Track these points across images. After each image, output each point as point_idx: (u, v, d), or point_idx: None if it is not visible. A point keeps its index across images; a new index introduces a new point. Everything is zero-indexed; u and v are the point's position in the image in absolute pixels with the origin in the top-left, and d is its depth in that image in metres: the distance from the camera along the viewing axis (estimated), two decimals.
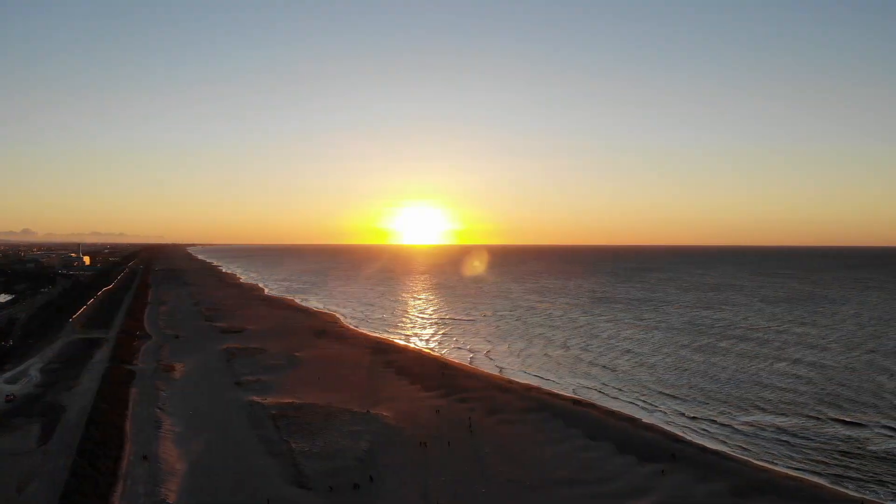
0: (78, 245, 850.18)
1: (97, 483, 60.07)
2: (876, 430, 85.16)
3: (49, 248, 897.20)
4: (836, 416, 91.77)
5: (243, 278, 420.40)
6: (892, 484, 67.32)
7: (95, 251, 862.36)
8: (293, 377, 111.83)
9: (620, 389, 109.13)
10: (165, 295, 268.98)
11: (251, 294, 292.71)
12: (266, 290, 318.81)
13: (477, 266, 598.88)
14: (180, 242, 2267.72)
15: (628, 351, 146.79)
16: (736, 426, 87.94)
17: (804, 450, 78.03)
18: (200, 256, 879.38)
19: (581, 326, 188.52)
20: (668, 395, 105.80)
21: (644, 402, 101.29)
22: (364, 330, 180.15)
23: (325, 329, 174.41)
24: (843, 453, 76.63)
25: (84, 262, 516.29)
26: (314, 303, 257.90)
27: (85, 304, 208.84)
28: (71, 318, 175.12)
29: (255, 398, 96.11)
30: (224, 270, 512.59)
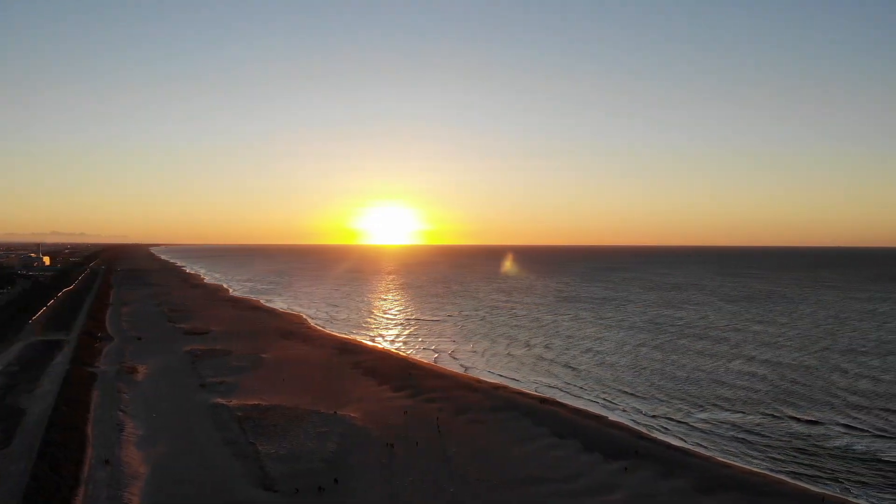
0: (38, 245, 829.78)
1: (58, 487, 58.99)
2: (831, 428, 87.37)
3: (8, 248, 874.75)
4: (793, 414, 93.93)
5: (208, 279, 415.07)
6: (848, 480, 69.21)
7: (56, 251, 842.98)
8: (259, 379, 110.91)
9: (582, 388, 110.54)
10: (128, 296, 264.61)
11: (216, 295, 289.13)
12: (231, 291, 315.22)
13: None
14: (143, 242, 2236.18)
15: (590, 349, 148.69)
16: (697, 423, 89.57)
17: (763, 446, 79.79)
18: (164, 257, 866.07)
19: (545, 325, 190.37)
20: (629, 393, 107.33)
21: (606, 400, 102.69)
22: (331, 330, 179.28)
23: (291, 330, 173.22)
24: (801, 450, 78.53)
25: (44, 263, 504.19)
26: (280, 303, 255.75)
27: (45, 305, 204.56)
28: (31, 319, 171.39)
29: (220, 400, 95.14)
30: (188, 271, 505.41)
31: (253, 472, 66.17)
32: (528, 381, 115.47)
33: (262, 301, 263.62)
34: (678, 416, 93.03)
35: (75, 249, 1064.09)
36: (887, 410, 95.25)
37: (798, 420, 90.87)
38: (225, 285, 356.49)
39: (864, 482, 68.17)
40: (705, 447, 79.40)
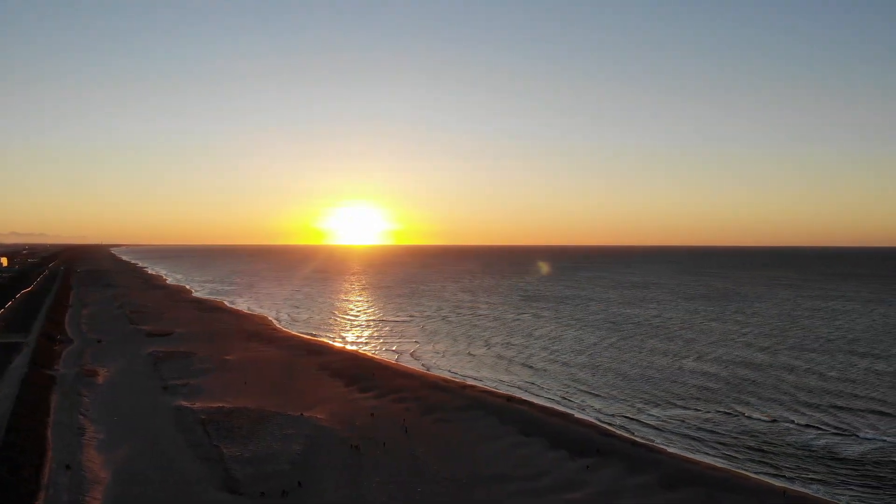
0: None
1: (18, 492, 57.61)
2: (787, 424, 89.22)
3: None
4: (751, 410, 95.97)
5: (170, 280, 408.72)
6: (806, 474, 70.96)
7: (13, 252, 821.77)
8: (223, 381, 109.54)
9: (541, 387, 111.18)
10: (88, 297, 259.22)
11: (179, 296, 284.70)
12: (194, 292, 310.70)
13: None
14: (104, 243, 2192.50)
15: (553, 348, 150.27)
16: (660, 420, 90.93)
17: (725, 442, 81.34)
18: (125, 257, 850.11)
19: (509, 324, 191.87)
20: (593, 390, 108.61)
21: (569, 398, 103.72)
22: (296, 332, 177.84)
23: (256, 331, 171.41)
24: (760, 446, 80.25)
25: (1, 264, 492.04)
26: (245, 304, 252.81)
27: (2, 306, 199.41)
28: None
29: (184, 403, 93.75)
30: (150, 272, 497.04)
31: (217, 475, 65.32)
32: (491, 380, 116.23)
33: (225, 302, 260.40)
34: (641, 413, 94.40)
35: (34, 250, 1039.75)
36: (836, 407, 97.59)
37: (757, 416, 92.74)
38: (188, 286, 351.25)
39: (821, 476, 69.88)
40: (669, 444, 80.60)
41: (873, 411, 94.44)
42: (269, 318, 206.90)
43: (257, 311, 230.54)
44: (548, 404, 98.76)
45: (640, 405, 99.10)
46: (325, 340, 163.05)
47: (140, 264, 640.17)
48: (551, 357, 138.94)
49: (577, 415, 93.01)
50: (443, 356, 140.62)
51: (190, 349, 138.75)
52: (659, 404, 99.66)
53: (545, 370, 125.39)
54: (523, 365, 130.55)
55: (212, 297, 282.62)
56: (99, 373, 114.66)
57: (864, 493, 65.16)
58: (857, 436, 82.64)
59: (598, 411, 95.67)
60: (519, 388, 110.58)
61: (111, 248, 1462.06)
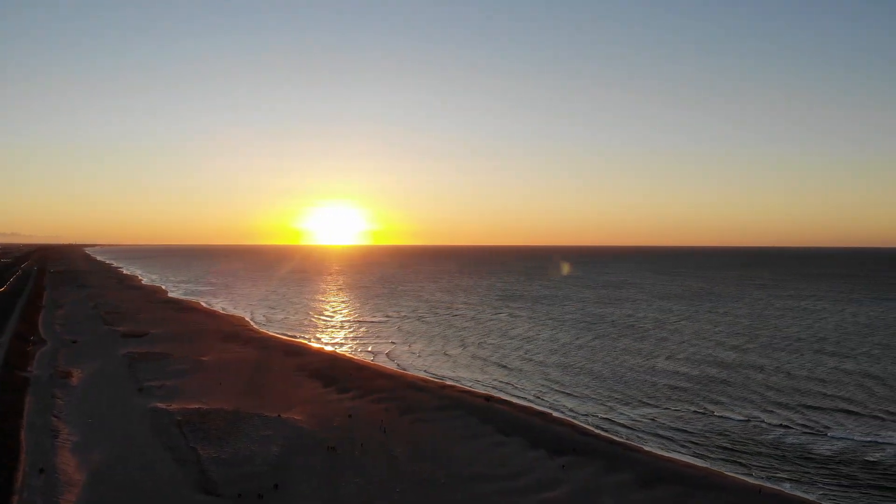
0: None
1: None
2: (755, 423, 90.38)
3: None
4: (721, 409, 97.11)
5: (145, 280, 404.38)
6: (781, 472, 71.99)
7: None
8: (199, 382, 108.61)
9: (516, 387, 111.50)
10: (62, 298, 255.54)
11: (154, 296, 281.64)
12: (170, 293, 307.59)
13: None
14: (78, 243, 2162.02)
15: (528, 347, 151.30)
16: (634, 418, 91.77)
17: (700, 441, 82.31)
18: (99, 257, 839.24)
19: (485, 323, 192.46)
20: (566, 390, 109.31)
21: (543, 397, 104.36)
22: (274, 332, 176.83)
23: (232, 332, 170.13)
24: (733, 443, 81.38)
25: None
26: (221, 305, 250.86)
27: None
28: None
29: (159, 404, 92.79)
30: (125, 272, 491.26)
31: (194, 477, 64.76)
32: (467, 380, 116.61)
33: (202, 303, 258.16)
34: (613, 413, 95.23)
35: (6, 250, 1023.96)
36: (806, 406, 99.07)
37: (727, 415, 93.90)
38: (163, 287, 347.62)
39: (792, 475, 70.95)
40: (644, 442, 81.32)
41: (841, 410, 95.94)
42: (246, 319, 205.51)
43: (234, 311, 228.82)
44: (526, 403, 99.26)
45: (612, 404, 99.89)
46: (303, 341, 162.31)
47: (115, 264, 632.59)
48: (526, 356, 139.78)
49: (556, 414, 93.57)
50: (419, 356, 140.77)
51: (166, 350, 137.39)
52: (630, 403, 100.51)
53: (520, 370, 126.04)
54: (498, 365, 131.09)
55: (188, 298, 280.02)
56: (73, 374, 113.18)
57: (833, 491, 66.21)
58: (826, 435, 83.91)
59: (572, 410, 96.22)
60: (494, 387, 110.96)
61: (86, 248, 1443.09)
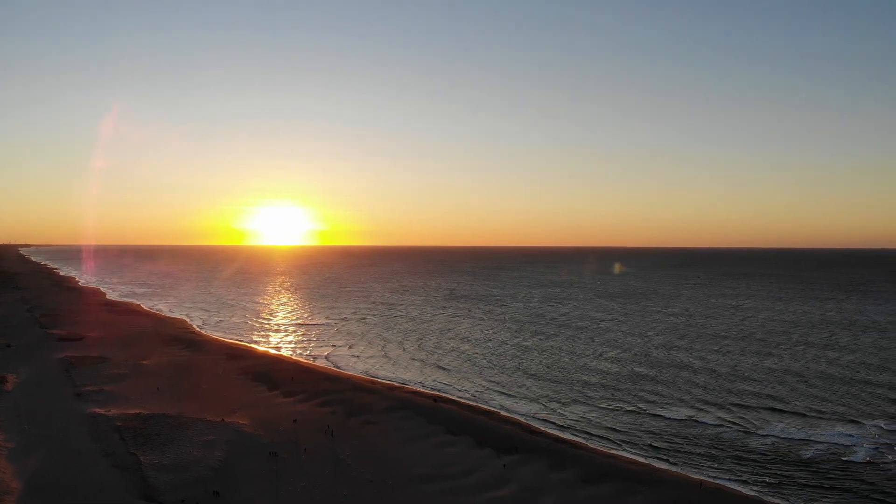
0: None
1: None
2: (688, 420, 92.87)
3: None
4: (657, 406, 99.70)
5: (83, 282, 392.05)
6: (721, 465, 74.08)
7: None
8: (140, 386, 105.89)
9: (456, 388, 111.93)
10: None
11: (92, 299, 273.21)
12: (109, 295, 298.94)
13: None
14: (11, 243, 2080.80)
15: (464, 348, 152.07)
16: (574, 418, 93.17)
17: (635, 438, 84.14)
18: (35, 258, 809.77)
19: (426, 324, 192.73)
20: (505, 389, 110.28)
21: (483, 396, 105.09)
22: (217, 335, 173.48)
23: (174, 335, 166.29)
24: (670, 439, 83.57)
25: None
26: (162, 307, 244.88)
27: None
28: None
29: (98, 410, 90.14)
30: (61, 273, 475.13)
31: (135, 484, 63.14)
32: (420, 380, 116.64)
33: (142, 305, 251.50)
34: (552, 410, 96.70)
35: None
36: (735, 405, 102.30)
37: (664, 412, 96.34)
38: (102, 288, 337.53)
39: (733, 467, 73.19)
40: (590, 439, 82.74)
41: (768, 408, 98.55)
42: (188, 322, 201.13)
43: (176, 313, 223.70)
44: (474, 403, 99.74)
45: (550, 403, 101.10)
46: (248, 344, 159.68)
47: (51, 265, 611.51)
48: (464, 357, 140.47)
49: (503, 413, 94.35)
50: (359, 358, 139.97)
51: (104, 354, 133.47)
52: (565, 402, 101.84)
53: (458, 370, 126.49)
54: (436, 365, 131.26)
55: (127, 300, 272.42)
56: (8, 379, 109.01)
57: (771, 485, 68.50)
58: (757, 433, 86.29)
59: (511, 410, 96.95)
60: (429, 387, 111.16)
61: (20, 249, 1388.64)
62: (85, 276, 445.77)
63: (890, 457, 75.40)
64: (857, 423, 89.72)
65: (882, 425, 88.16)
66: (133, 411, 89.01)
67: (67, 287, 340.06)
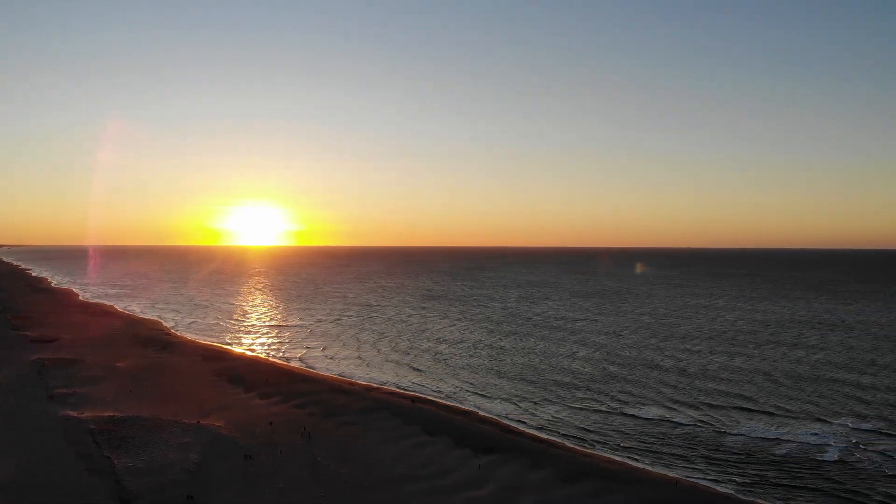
0: None
1: None
2: (663, 419, 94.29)
3: None
4: (630, 406, 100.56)
5: (55, 282, 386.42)
6: (697, 464, 75.11)
7: None
8: (114, 388, 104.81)
9: (431, 388, 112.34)
10: None
11: (65, 299, 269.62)
12: (82, 296, 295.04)
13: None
14: None
15: (440, 348, 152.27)
16: (550, 418, 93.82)
17: (610, 438, 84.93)
18: (6, 259, 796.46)
19: (401, 324, 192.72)
20: (481, 390, 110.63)
21: (458, 397, 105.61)
22: (193, 337, 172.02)
23: (149, 336, 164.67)
24: (645, 438, 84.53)
25: None
26: (136, 308, 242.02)
27: None
28: None
29: (71, 413, 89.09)
30: (34, 274, 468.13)
31: (109, 488, 62.59)
32: (390, 382, 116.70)
33: (116, 306, 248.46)
34: (524, 410, 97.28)
35: None
36: (707, 404, 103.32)
37: (637, 412, 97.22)
38: (75, 289, 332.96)
39: (704, 467, 74.28)
40: (568, 439, 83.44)
41: (737, 407, 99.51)
42: (163, 323, 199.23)
43: (149, 315, 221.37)
44: (452, 403, 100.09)
45: (523, 403, 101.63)
46: (223, 345, 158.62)
47: (22, 266, 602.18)
48: (438, 357, 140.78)
49: (481, 413, 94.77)
50: (333, 359, 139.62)
51: (78, 356, 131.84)
52: (538, 402, 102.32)
53: (433, 371, 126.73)
54: (410, 366, 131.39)
55: (101, 301, 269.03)
56: None
57: (746, 483, 69.64)
58: (730, 432, 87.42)
59: (486, 410, 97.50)
60: (407, 389, 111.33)
61: None
62: (57, 277, 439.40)
63: (857, 455, 76.99)
64: (826, 421, 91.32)
65: (849, 424, 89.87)
66: (107, 414, 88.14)
67: (40, 288, 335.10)
